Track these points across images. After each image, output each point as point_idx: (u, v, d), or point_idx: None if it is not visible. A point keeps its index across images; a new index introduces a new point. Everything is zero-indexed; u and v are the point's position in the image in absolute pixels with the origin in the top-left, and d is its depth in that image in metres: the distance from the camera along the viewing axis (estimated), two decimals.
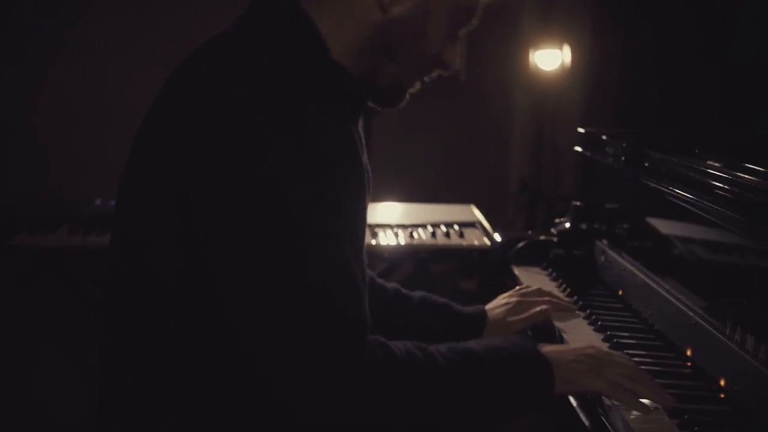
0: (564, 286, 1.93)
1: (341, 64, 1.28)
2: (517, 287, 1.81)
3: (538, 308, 1.70)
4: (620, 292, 1.89)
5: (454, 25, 1.36)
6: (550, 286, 1.93)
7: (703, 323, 1.49)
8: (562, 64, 4.14)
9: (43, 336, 2.82)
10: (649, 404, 1.29)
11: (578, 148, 2.21)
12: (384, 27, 1.30)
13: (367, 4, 1.29)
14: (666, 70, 3.70)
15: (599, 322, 1.69)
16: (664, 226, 1.82)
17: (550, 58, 4.13)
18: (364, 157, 1.34)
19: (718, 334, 1.44)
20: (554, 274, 2.04)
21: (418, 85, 1.40)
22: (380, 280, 1.72)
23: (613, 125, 3.61)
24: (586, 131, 2.19)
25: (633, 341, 1.61)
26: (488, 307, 1.73)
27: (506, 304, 1.72)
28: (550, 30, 4.18)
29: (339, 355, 1.14)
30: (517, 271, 2.07)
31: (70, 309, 2.54)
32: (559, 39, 4.12)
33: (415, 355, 1.23)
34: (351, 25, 1.29)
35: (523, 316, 1.70)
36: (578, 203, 2.16)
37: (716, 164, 1.71)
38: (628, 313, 1.79)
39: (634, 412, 1.28)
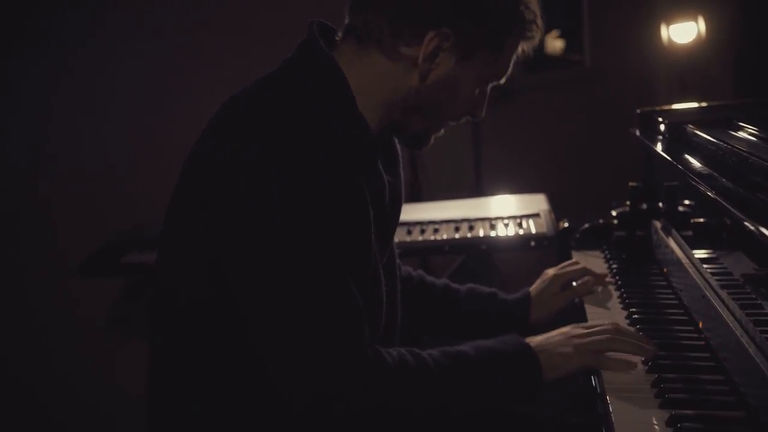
0: (613, 267, 1.97)
1: (363, 118, 1.38)
2: (563, 263, 1.90)
3: (580, 281, 1.83)
4: (665, 270, 1.91)
5: (485, 85, 1.48)
6: (603, 268, 1.97)
7: (710, 297, 1.51)
8: (699, 35, 4.03)
9: None
10: (631, 360, 1.39)
11: (636, 132, 2.22)
12: (418, 91, 1.42)
13: (406, 71, 1.40)
14: None
15: (627, 300, 1.74)
16: None
17: (686, 31, 4.02)
18: (388, 191, 1.45)
19: (719, 308, 1.46)
20: (608, 256, 2.07)
21: (443, 131, 1.53)
22: (430, 279, 1.84)
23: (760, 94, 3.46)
24: (641, 111, 2.19)
25: (654, 316, 1.65)
26: (532, 288, 1.84)
27: (542, 281, 1.84)
28: (683, 1, 4.07)
29: (335, 364, 1.27)
30: (576, 256, 2.11)
31: None
32: (693, 10, 4.01)
33: (407, 360, 1.34)
34: (388, 83, 1.41)
35: (565, 292, 1.82)
36: (635, 184, 2.17)
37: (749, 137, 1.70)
38: (668, 291, 1.81)
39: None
